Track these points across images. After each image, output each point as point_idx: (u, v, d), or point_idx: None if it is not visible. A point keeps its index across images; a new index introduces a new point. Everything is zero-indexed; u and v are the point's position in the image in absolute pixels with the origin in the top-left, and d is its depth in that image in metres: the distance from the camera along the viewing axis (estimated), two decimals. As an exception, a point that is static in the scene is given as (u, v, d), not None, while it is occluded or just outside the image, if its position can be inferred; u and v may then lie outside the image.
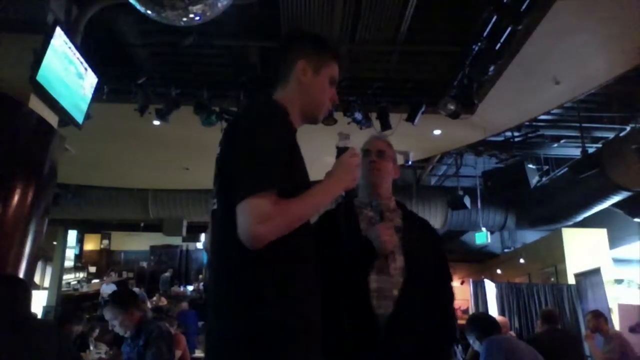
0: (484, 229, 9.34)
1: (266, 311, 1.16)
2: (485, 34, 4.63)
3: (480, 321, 3.36)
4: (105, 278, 13.39)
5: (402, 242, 1.70)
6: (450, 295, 1.83)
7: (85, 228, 14.55)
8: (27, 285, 2.60)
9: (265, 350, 1.14)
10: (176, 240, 13.79)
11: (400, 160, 6.40)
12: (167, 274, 14.31)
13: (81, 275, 14.39)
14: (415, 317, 1.62)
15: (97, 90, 4.37)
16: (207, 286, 1.40)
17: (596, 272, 7.97)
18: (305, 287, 1.27)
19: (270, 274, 1.20)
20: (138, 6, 3.10)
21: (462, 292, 10.35)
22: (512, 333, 6.51)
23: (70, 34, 3.75)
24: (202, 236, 9.98)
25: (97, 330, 6.30)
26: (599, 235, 9.53)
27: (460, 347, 5.66)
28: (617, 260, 9.76)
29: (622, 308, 7.77)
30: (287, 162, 1.25)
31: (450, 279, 1.87)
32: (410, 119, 5.61)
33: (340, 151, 1.41)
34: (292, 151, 1.29)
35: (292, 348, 1.18)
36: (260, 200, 1.15)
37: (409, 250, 1.69)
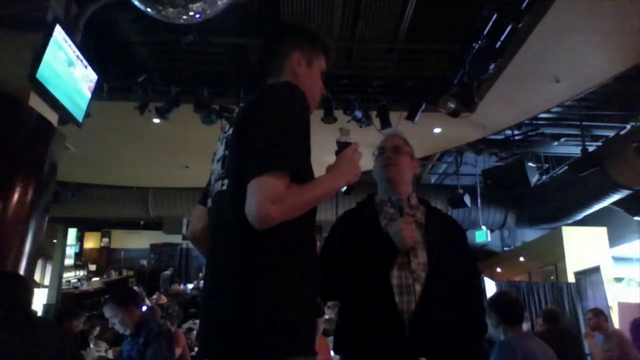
0: (484, 227, 9.34)
1: (277, 303, 1.15)
2: (485, 32, 4.63)
3: (505, 306, 2.85)
4: None
5: (425, 238, 1.69)
6: (478, 290, 1.81)
7: (85, 226, 14.56)
8: (28, 283, 2.61)
9: (269, 338, 1.13)
10: (176, 239, 13.77)
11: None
12: (168, 272, 14.31)
13: (81, 273, 14.39)
14: (439, 313, 1.60)
15: (97, 88, 4.37)
16: (205, 274, 1.32)
17: (596, 270, 7.97)
18: (311, 271, 1.27)
19: (280, 261, 1.18)
20: (138, 4, 3.10)
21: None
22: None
23: (70, 31, 3.75)
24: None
25: (97, 329, 6.32)
26: (599, 233, 9.53)
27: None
28: (617, 259, 9.76)
29: (622, 306, 7.78)
30: (304, 146, 1.24)
31: (478, 274, 1.85)
32: (411, 117, 5.61)
33: (342, 146, 1.40)
34: (308, 132, 1.27)
35: (296, 335, 1.17)
36: (274, 179, 1.13)
37: (432, 245, 1.67)
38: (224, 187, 1.27)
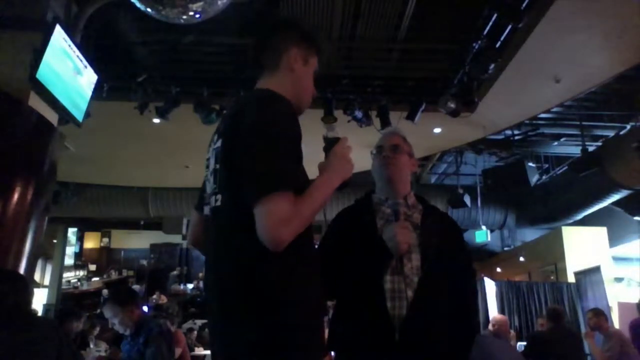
0: (484, 227, 9.34)
1: (285, 311, 1.15)
2: (485, 32, 4.62)
3: None
4: None
5: (420, 240, 1.66)
6: (472, 291, 1.80)
7: (85, 226, 14.56)
8: (28, 282, 2.61)
9: (283, 352, 1.13)
10: (176, 239, 13.76)
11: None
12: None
13: (81, 273, 14.40)
14: (431, 318, 1.59)
15: (97, 88, 4.37)
16: (209, 286, 1.33)
17: (596, 270, 7.97)
18: (316, 282, 1.27)
19: (287, 273, 1.18)
20: (138, 4, 3.10)
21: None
22: (512, 332, 6.52)
23: (70, 31, 3.74)
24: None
25: (97, 329, 6.31)
26: (599, 233, 9.53)
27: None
28: (617, 259, 9.76)
29: (622, 306, 7.77)
30: (298, 158, 1.23)
31: (474, 275, 1.83)
32: (411, 117, 5.60)
33: (330, 142, 1.37)
34: (300, 145, 1.26)
35: (307, 348, 1.18)
36: (280, 201, 1.12)
37: (427, 248, 1.65)
38: (218, 203, 1.26)
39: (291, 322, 1.15)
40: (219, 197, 1.26)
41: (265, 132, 1.19)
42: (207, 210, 1.33)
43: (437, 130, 6.53)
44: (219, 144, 1.30)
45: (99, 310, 10.07)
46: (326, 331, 1.51)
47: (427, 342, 1.57)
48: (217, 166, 1.29)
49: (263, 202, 1.11)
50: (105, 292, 12.36)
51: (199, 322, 9.07)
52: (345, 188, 1.32)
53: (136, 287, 12.66)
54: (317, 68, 1.46)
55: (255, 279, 1.17)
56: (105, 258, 16.01)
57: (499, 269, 12.77)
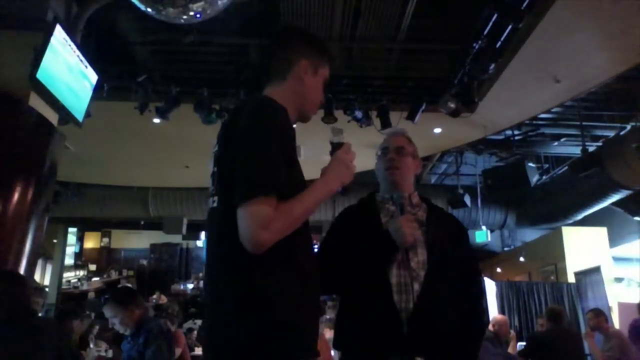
0: (484, 227, 9.34)
1: (275, 310, 1.16)
2: (485, 32, 4.62)
3: None
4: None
5: (426, 236, 1.68)
6: (479, 290, 1.80)
7: (85, 226, 14.55)
8: (28, 282, 2.61)
9: (276, 350, 1.15)
10: (176, 239, 13.78)
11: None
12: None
13: (81, 273, 14.40)
14: (438, 311, 1.59)
15: (97, 88, 4.37)
16: (205, 285, 1.38)
17: (596, 270, 7.97)
18: (310, 282, 1.28)
19: (276, 274, 1.19)
20: (138, 4, 3.10)
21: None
22: (512, 332, 6.52)
23: (70, 31, 3.75)
24: (202, 234, 9.94)
25: (97, 328, 6.30)
26: (599, 233, 9.53)
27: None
28: (617, 259, 9.75)
29: (622, 306, 7.77)
30: (288, 163, 1.25)
31: (479, 274, 1.84)
32: (411, 117, 5.60)
33: (335, 147, 1.41)
34: (292, 150, 1.29)
35: (301, 347, 1.19)
36: (261, 205, 1.15)
37: (433, 244, 1.66)
38: (215, 204, 1.30)
39: (279, 323, 1.16)
40: (216, 199, 1.30)
41: (254, 137, 1.22)
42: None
43: (437, 130, 6.54)
44: (216, 148, 1.35)
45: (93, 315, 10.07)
46: (324, 330, 1.51)
47: (435, 335, 1.57)
48: (215, 169, 1.33)
49: (244, 206, 1.15)
50: (91, 294, 12.34)
51: (199, 322, 9.06)
52: (347, 193, 1.34)
53: (128, 285, 12.62)
54: (327, 78, 1.50)
55: (245, 280, 1.19)
56: (105, 258, 15.99)
57: (499, 269, 12.77)
